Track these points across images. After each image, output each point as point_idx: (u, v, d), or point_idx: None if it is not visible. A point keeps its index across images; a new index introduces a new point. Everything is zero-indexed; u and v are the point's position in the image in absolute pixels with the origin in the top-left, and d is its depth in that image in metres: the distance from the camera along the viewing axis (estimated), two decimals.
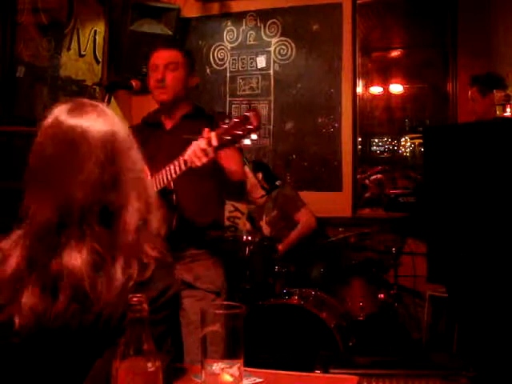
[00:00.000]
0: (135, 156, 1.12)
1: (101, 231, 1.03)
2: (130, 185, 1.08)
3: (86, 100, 1.14)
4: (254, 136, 1.86)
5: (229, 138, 1.77)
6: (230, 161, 2.03)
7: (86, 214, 1.03)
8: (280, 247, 3.63)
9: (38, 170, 1.06)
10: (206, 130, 1.81)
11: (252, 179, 3.98)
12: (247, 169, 3.93)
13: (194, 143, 1.81)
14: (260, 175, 4.03)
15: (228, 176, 2.04)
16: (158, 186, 1.93)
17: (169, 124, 2.27)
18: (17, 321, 0.99)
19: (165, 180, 1.92)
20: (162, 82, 2.17)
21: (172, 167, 1.90)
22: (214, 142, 1.77)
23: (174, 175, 1.90)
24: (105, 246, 1.03)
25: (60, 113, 1.08)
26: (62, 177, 1.03)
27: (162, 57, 2.22)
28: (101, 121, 1.08)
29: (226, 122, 1.79)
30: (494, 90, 2.86)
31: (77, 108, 1.10)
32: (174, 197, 2.01)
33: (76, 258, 1.00)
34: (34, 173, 1.06)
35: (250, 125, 1.75)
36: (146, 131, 2.25)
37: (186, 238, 2.11)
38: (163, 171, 1.93)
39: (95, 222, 1.03)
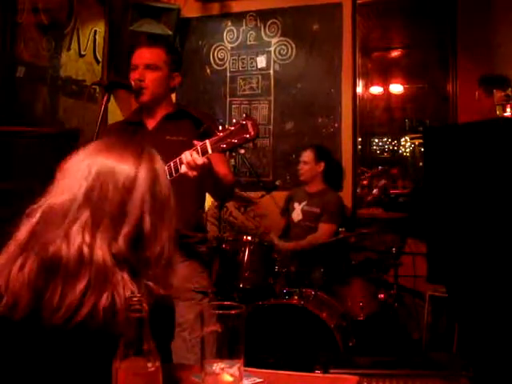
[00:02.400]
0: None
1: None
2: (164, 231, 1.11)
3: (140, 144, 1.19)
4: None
5: (224, 146, 1.73)
6: (218, 165, 2.01)
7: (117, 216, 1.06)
8: (288, 246, 3.63)
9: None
10: (196, 142, 1.78)
11: (309, 167, 3.87)
12: (310, 156, 3.86)
13: (187, 152, 1.77)
14: (322, 166, 3.88)
15: (218, 180, 2.00)
16: None
17: (150, 124, 2.24)
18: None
19: None
20: (141, 82, 2.14)
21: None
22: (209, 151, 1.74)
23: None
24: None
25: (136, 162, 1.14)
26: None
27: (143, 56, 2.19)
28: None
29: (222, 129, 1.75)
30: (494, 90, 2.86)
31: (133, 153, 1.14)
32: None
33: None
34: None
35: (247, 134, 1.71)
36: (129, 131, 2.24)
37: None
38: None
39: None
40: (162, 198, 1.13)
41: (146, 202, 1.08)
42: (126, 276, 1.02)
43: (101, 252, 1.01)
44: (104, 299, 0.98)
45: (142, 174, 1.10)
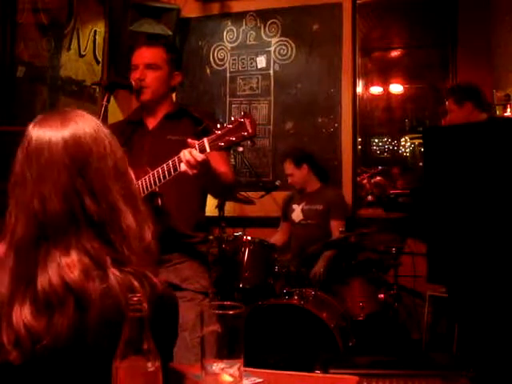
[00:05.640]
0: (114, 160, 1.07)
1: (90, 238, 1.00)
2: (113, 190, 1.04)
3: (61, 110, 1.12)
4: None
5: (222, 144, 1.73)
6: (218, 163, 2.01)
7: (67, 223, 1.00)
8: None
9: (14, 182, 1.06)
10: (190, 140, 1.79)
11: (296, 177, 3.90)
12: (290, 167, 3.89)
13: (186, 150, 1.77)
14: (305, 168, 3.89)
15: (217, 178, 2.00)
16: (146, 191, 1.91)
17: (151, 124, 2.24)
18: (6, 341, 0.94)
19: (152, 185, 1.89)
20: (141, 81, 2.14)
21: (161, 172, 1.87)
22: (207, 149, 1.74)
23: (162, 180, 1.87)
24: (97, 251, 1.00)
25: (30, 124, 1.08)
26: (30, 188, 1.02)
27: (144, 56, 2.19)
28: (65, 129, 1.05)
29: (220, 127, 1.75)
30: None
31: (44, 118, 1.08)
32: (160, 200, 1.99)
33: (69, 268, 0.97)
34: (12, 185, 1.06)
35: (245, 131, 1.71)
36: (129, 130, 2.23)
37: (171, 241, 2.08)
38: (151, 175, 1.90)
39: (82, 230, 1.00)
40: None
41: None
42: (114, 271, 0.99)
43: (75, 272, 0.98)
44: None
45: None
